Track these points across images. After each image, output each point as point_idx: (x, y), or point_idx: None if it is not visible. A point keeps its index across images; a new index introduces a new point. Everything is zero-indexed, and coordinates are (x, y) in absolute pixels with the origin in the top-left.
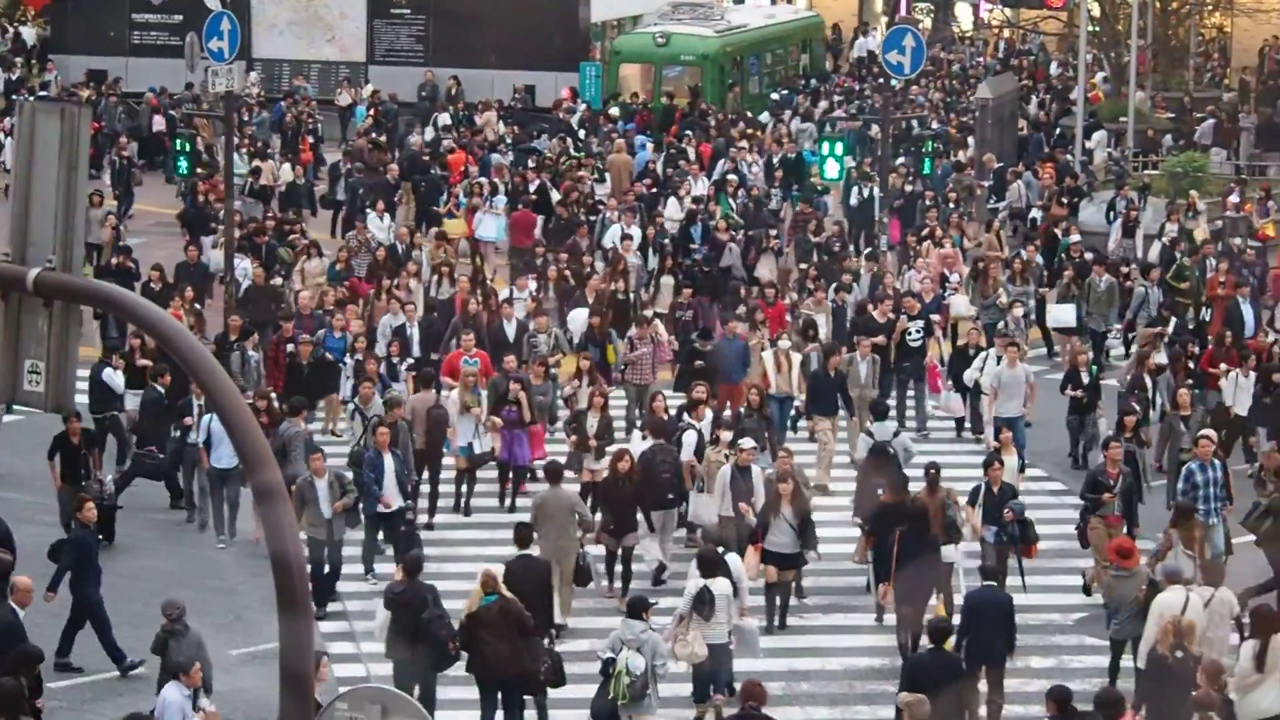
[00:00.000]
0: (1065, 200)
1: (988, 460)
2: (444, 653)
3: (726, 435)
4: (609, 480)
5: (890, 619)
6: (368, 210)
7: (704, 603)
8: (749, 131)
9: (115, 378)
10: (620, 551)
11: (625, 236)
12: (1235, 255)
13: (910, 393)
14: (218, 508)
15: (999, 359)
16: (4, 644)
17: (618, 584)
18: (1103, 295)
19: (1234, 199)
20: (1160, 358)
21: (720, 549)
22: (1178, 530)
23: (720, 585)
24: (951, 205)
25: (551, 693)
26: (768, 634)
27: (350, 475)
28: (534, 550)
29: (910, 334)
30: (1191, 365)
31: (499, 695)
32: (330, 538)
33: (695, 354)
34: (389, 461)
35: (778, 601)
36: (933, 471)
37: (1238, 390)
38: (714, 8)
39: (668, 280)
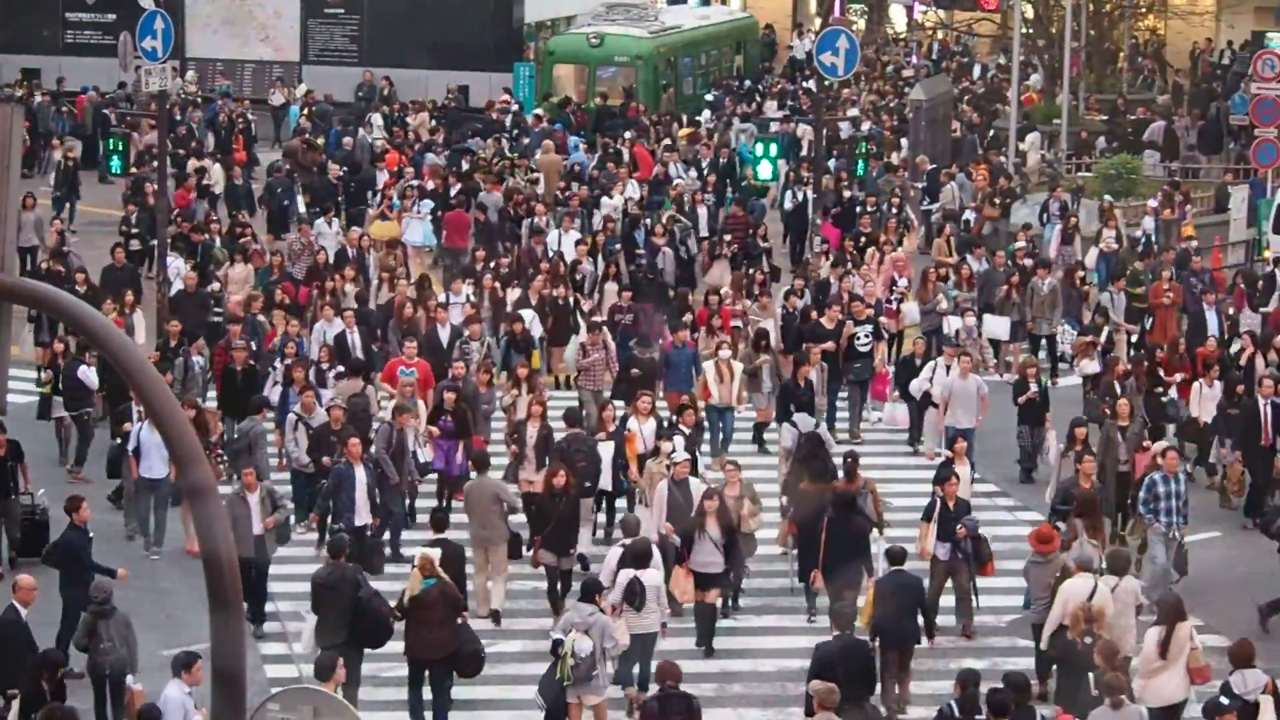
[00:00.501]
0: (998, 201)
1: (941, 475)
2: (386, 628)
3: (667, 446)
4: (545, 496)
5: (822, 620)
6: (307, 213)
7: (635, 593)
8: (688, 132)
9: (90, 374)
10: (561, 573)
11: (579, 242)
12: (1187, 262)
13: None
14: (144, 518)
15: (947, 368)
16: (8, 644)
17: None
18: (1045, 298)
19: (1153, 203)
20: (1092, 366)
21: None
22: (1082, 520)
23: (650, 576)
24: (894, 211)
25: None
26: (695, 658)
27: (280, 490)
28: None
29: (859, 339)
30: (1162, 374)
31: (426, 674)
32: (260, 555)
33: (632, 361)
34: (360, 474)
35: (711, 621)
36: (850, 460)
37: (1202, 400)
38: (648, 9)
39: (611, 286)
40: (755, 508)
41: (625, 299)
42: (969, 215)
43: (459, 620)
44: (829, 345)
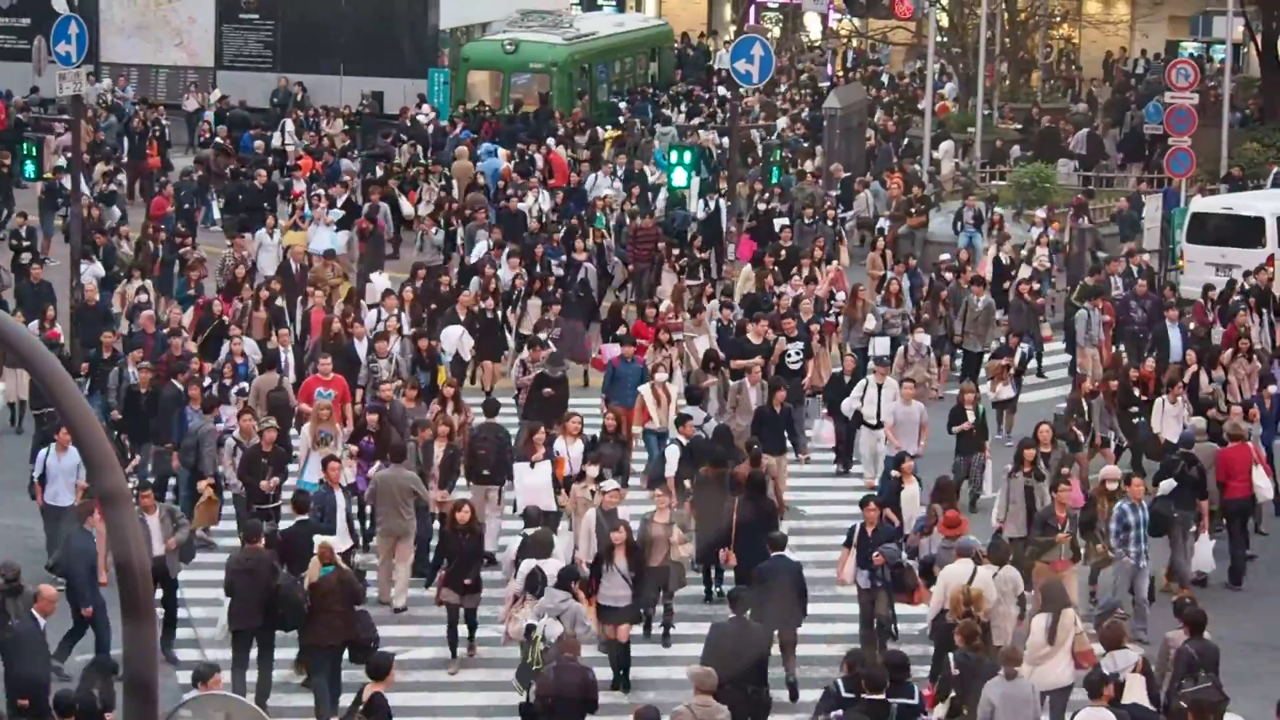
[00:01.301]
0: (914, 210)
1: (864, 499)
2: (301, 612)
3: (593, 471)
4: (445, 532)
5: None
6: (223, 220)
7: (537, 582)
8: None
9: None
10: (463, 612)
11: (512, 254)
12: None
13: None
14: (50, 545)
15: (879, 387)
16: (27, 653)
17: (462, 650)
18: (980, 314)
19: (1041, 213)
20: (1007, 390)
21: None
22: (940, 505)
23: (551, 566)
24: (810, 221)
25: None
26: (612, 690)
27: (180, 509)
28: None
29: (789, 356)
30: (1138, 392)
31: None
32: (163, 577)
33: (544, 381)
34: (339, 499)
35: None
36: (755, 448)
37: (1164, 418)
38: (563, 16)
39: (535, 301)
40: (685, 535)
41: (553, 313)
42: (883, 224)
43: (356, 608)
44: (757, 361)
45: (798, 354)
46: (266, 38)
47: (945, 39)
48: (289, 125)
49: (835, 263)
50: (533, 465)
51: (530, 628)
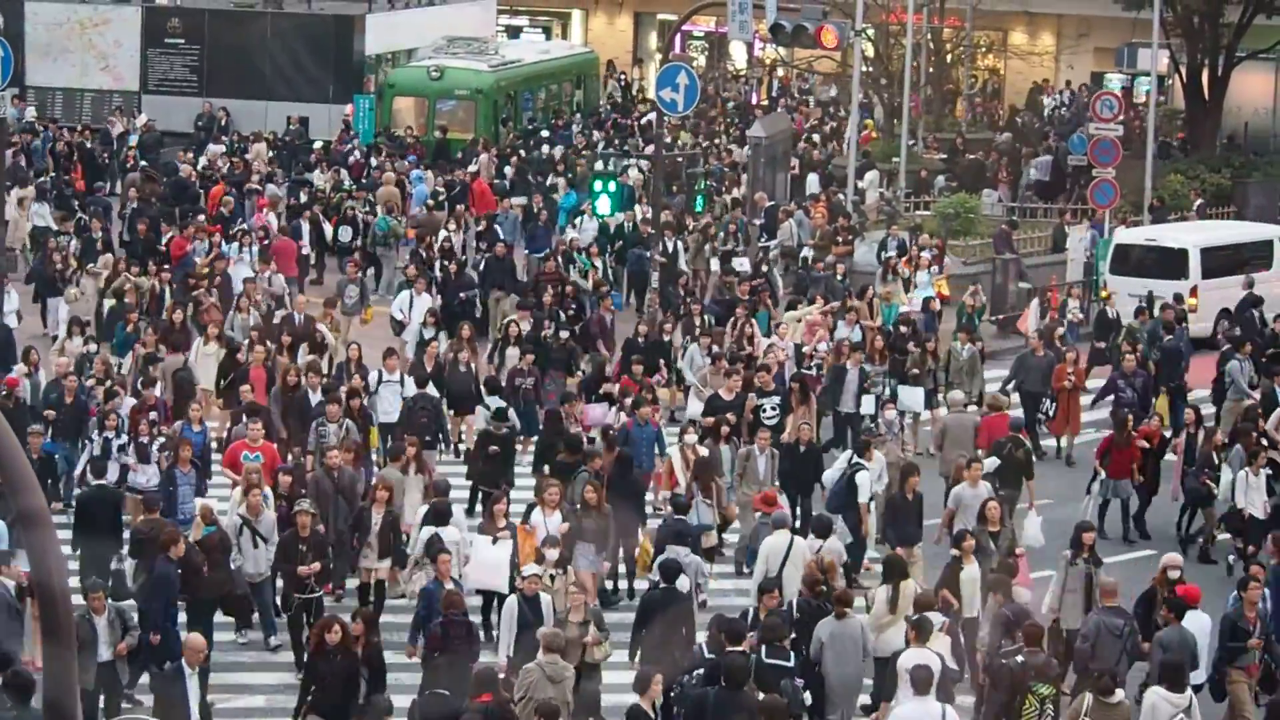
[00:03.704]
0: (840, 240)
1: (764, 585)
2: (198, 575)
3: (552, 554)
4: (315, 653)
5: None
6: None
7: (434, 548)
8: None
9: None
10: None
11: (498, 286)
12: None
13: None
14: None
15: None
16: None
17: None
18: (965, 364)
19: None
20: (992, 462)
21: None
22: (698, 482)
23: (449, 533)
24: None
25: None
26: None
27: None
28: None
29: (764, 411)
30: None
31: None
32: (109, 686)
33: (488, 439)
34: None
35: None
36: (611, 434)
37: (1249, 490)
38: (488, 42)
39: (513, 351)
40: (600, 635)
41: (527, 362)
42: (807, 252)
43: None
44: (729, 417)
45: (773, 409)
46: (192, 62)
47: (870, 69)
48: (217, 150)
49: (815, 308)
50: (495, 540)
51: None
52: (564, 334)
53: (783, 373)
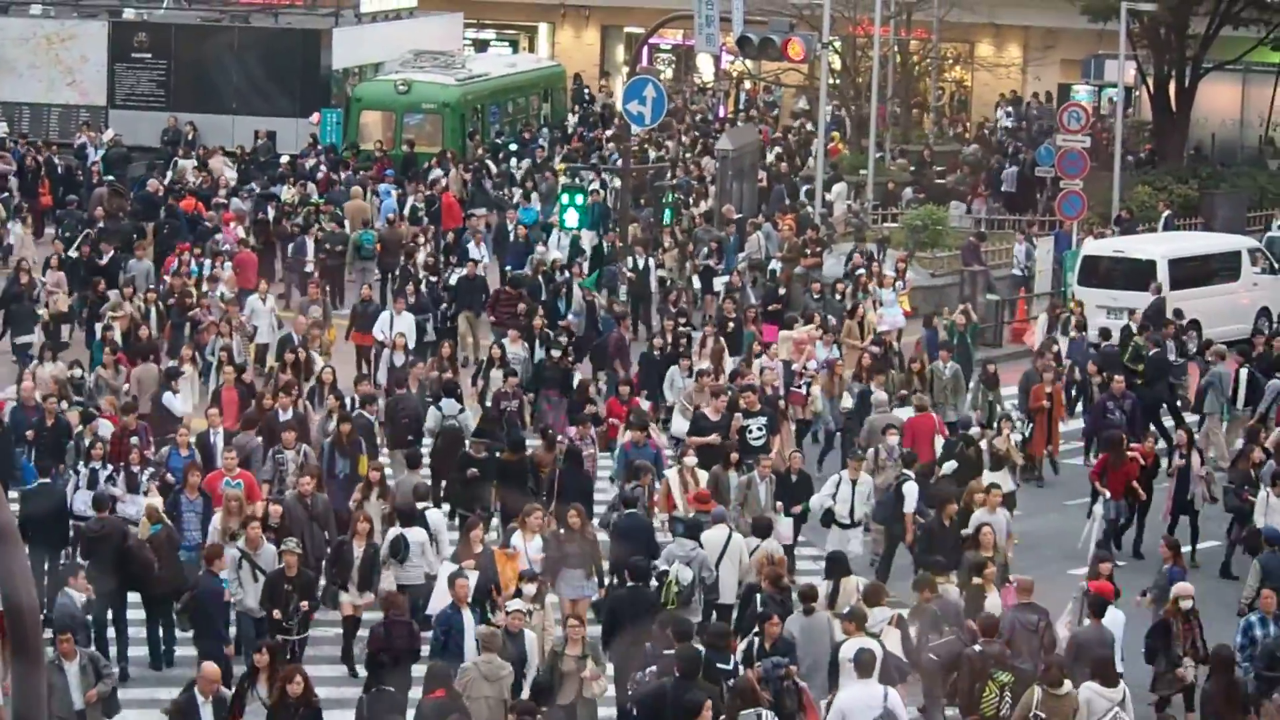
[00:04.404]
0: (810, 252)
1: (764, 614)
2: (150, 571)
3: (530, 589)
4: (276, 705)
5: None
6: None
7: (399, 548)
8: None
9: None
10: None
11: (467, 307)
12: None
13: None
14: None
15: (853, 483)
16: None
17: None
18: (948, 383)
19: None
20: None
21: (423, 505)
22: (619, 482)
23: (415, 534)
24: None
25: None
26: None
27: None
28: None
29: (751, 432)
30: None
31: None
32: None
33: (469, 461)
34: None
35: None
36: (550, 433)
37: (1270, 512)
38: (455, 56)
39: (497, 374)
40: (598, 669)
41: (511, 385)
42: (775, 265)
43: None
44: (713, 439)
45: (760, 429)
46: (159, 77)
47: (837, 81)
48: (185, 164)
49: (810, 327)
50: (462, 571)
51: (664, 573)
52: (556, 353)
53: (771, 394)
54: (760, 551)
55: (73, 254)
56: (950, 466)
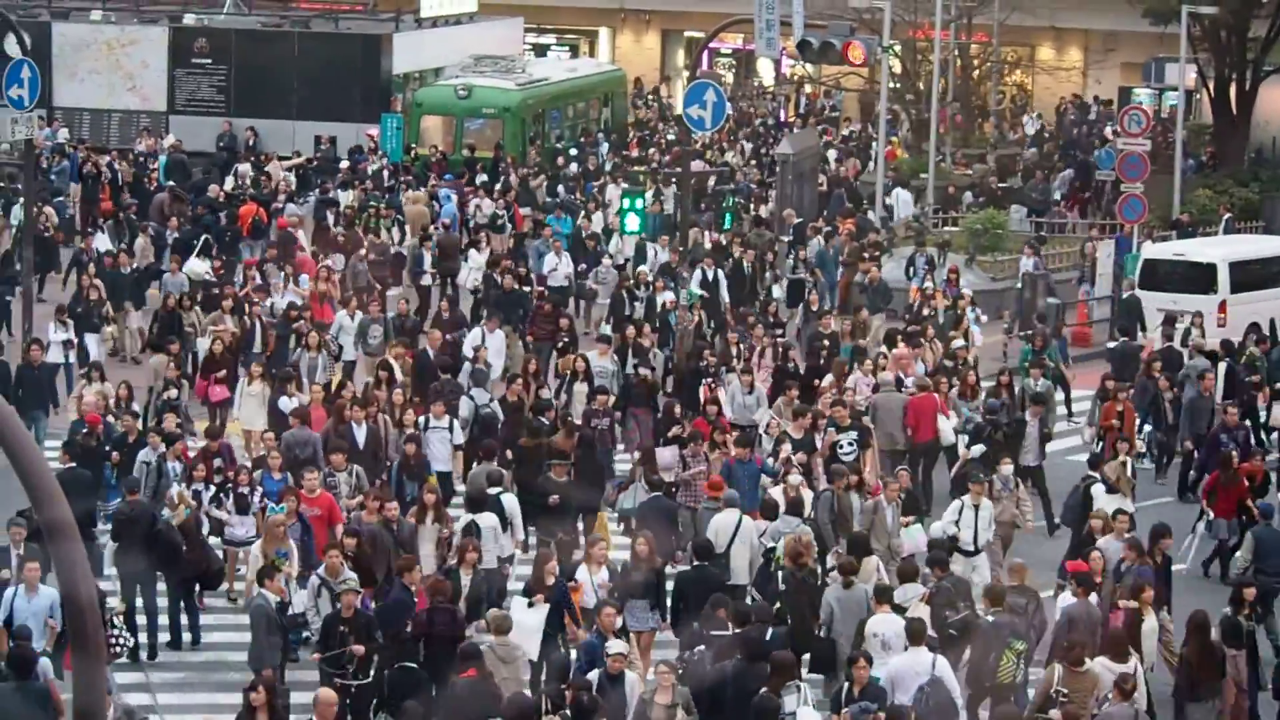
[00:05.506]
0: (867, 256)
1: (853, 656)
2: (179, 555)
3: (613, 618)
4: None
5: None
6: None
7: (470, 533)
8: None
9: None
10: None
11: (506, 322)
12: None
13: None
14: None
15: (975, 508)
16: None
17: None
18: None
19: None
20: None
21: (496, 490)
22: (644, 468)
23: (486, 520)
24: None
25: None
26: None
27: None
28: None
29: (841, 447)
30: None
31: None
32: None
33: (531, 484)
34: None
35: None
36: (569, 419)
37: None
38: (516, 61)
39: (581, 388)
40: (690, 719)
41: (601, 403)
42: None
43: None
44: (799, 456)
45: (850, 445)
46: (219, 82)
47: (898, 85)
48: (243, 169)
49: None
50: (531, 604)
51: (771, 549)
52: (645, 371)
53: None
54: (755, 534)
55: (200, 263)
56: (979, 450)
